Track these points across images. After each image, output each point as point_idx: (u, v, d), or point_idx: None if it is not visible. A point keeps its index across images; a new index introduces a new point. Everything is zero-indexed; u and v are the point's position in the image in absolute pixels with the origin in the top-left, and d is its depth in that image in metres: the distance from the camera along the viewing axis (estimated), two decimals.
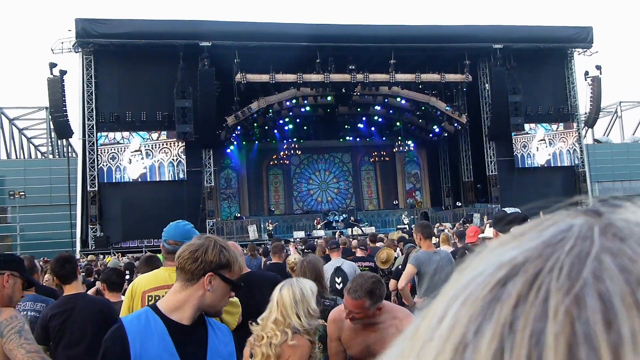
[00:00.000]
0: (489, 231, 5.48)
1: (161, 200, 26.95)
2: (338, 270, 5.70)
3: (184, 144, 28.47)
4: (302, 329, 2.80)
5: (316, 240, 16.75)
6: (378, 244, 10.81)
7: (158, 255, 5.02)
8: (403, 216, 32.30)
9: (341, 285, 5.28)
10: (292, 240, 20.29)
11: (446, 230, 9.09)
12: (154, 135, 28.65)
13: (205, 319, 2.12)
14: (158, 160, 28.54)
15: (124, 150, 28.24)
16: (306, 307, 2.86)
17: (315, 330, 2.91)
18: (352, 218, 32.43)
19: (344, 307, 3.13)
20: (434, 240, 7.41)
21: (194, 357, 2.00)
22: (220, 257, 2.02)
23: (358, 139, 37.77)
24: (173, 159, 28.67)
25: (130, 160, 28.22)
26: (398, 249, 9.84)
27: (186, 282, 2.03)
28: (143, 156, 28.41)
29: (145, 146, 28.50)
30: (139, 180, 28.33)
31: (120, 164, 28.11)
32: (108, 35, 26.90)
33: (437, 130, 35.87)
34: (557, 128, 33.58)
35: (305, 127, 35.89)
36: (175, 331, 1.97)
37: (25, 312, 4.21)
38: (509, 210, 3.32)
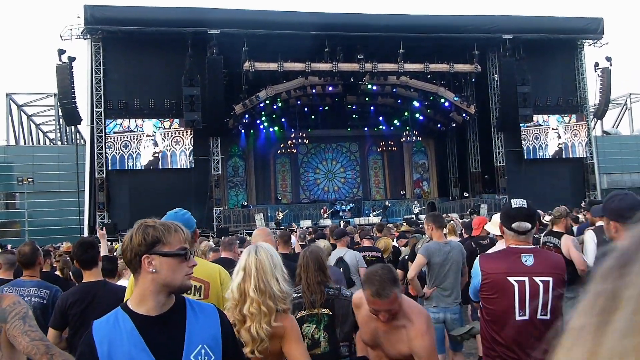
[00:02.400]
0: (493, 224, 5.47)
1: (168, 187, 27.02)
2: (340, 262, 5.63)
3: (191, 131, 28.49)
4: (281, 295, 2.71)
5: (324, 229, 16.44)
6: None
7: None
8: (413, 206, 32.27)
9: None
10: (294, 230, 19.46)
11: (453, 221, 9.03)
12: (166, 123, 28.70)
13: (186, 302, 2.09)
14: (169, 148, 28.60)
15: (137, 138, 28.29)
16: (281, 271, 2.78)
17: (290, 297, 2.80)
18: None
19: (373, 311, 2.94)
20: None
21: (168, 346, 1.95)
22: (144, 237, 1.97)
23: (366, 129, 37.65)
24: (182, 147, 28.70)
25: (145, 146, 28.30)
26: (395, 238, 9.83)
27: (135, 275, 2.02)
28: (157, 142, 28.48)
29: (161, 133, 28.59)
30: (150, 167, 28.42)
31: (132, 151, 28.16)
32: (117, 21, 26.88)
33: (445, 120, 35.73)
34: (569, 120, 33.35)
35: (313, 116, 35.79)
36: (144, 324, 1.95)
37: (29, 298, 4.26)
38: (515, 201, 3.26)
